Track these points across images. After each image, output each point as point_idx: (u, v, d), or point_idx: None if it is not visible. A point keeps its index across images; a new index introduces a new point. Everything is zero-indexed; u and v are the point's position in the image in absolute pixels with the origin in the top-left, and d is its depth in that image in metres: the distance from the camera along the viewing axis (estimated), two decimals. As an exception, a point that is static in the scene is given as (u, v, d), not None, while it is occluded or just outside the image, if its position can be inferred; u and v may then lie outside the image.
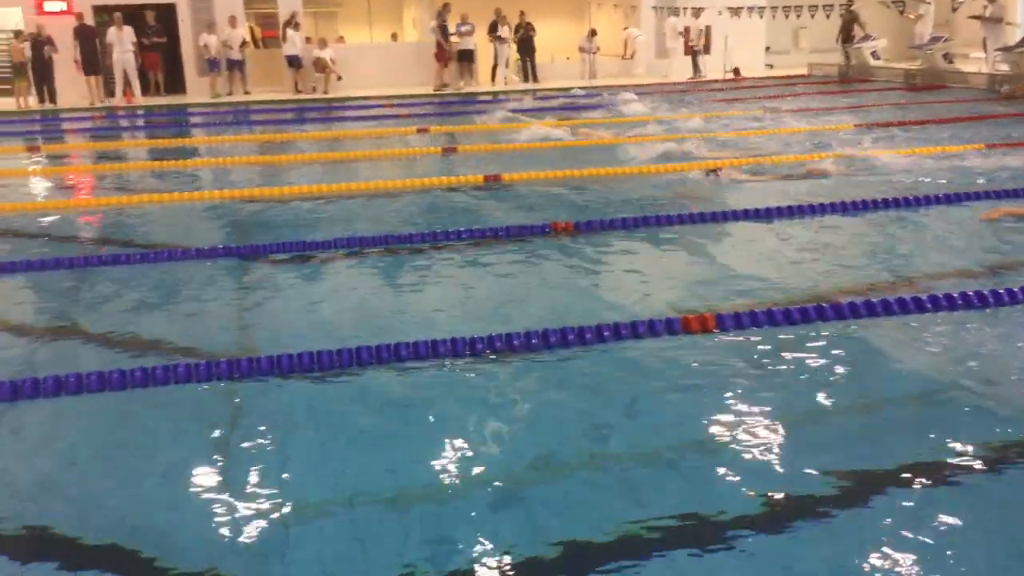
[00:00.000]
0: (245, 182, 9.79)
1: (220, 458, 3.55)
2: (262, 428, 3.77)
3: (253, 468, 3.41)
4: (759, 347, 4.46)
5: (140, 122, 17.35)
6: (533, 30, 21.48)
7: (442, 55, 20.63)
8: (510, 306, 5.36)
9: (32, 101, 18.94)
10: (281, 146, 12.78)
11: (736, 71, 21.18)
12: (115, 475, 3.45)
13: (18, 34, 18.90)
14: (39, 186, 10.32)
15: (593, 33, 21.72)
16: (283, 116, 16.70)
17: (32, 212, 8.46)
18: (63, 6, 19.63)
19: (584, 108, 15.90)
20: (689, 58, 21.43)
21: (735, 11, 19.27)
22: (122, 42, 18.88)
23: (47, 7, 19.54)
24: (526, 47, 21.52)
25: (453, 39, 21.03)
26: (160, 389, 4.10)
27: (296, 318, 5.24)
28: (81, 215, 8.42)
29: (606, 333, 4.59)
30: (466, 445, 3.56)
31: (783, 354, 4.37)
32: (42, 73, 18.87)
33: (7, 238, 7.49)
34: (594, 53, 21.79)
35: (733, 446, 3.48)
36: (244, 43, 20.27)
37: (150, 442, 3.69)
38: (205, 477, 3.40)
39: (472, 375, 4.26)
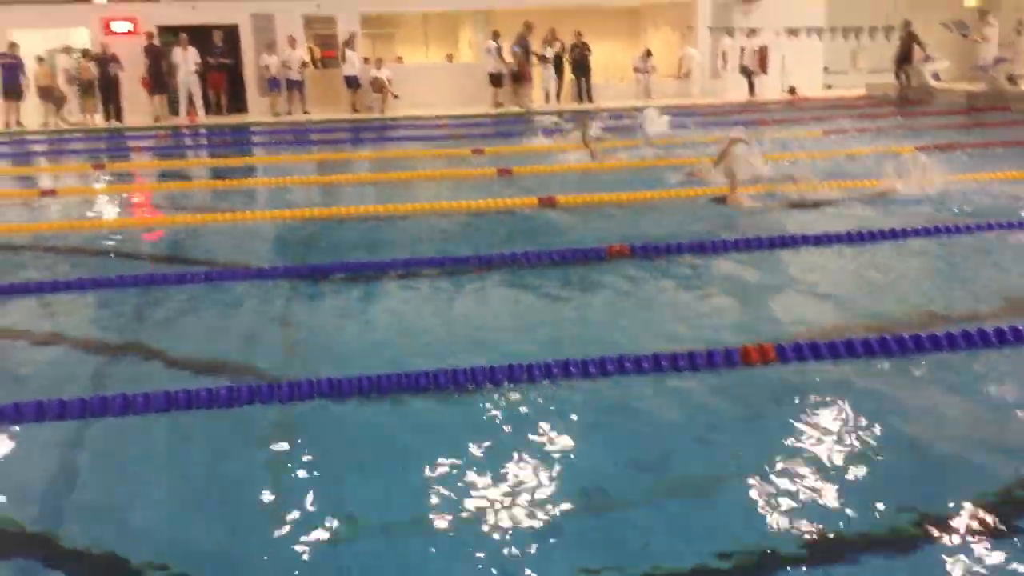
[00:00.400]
0: (303, 202, 9.93)
1: (279, 480, 3.59)
2: (319, 450, 3.81)
3: (310, 491, 3.45)
4: (819, 379, 4.39)
5: (203, 140, 17.74)
6: (588, 50, 21.55)
7: (525, 75, 20.78)
8: (564, 331, 5.35)
9: (98, 119, 19.49)
10: (338, 166, 12.97)
11: (792, 90, 21.00)
12: (177, 496, 3.51)
13: (85, 53, 19.46)
14: (103, 203, 10.59)
15: (648, 53, 21.71)
16: (340, 136, 16.93)
17: (96, 229, 8.69)
18: (129, 26, 20.24)
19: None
20: (745, 78, 21.35)
21: (793, 32, 19.11)
22: (187, 62, 19.38)
23: (114, 27, 20.15)
24: (581, 67, 21.58)
25: (509, 60, 21.23)
26: (224, 410, 4.17)
27: (352, 339, 5.29)
28: (143, 232, 8.62)
29: (663, 363, 4.56)
30: (520, 473, 3.56)
31: (844, 387, 4.30)
32: (108, 91, 19.45)
33: (72, 255, 7.69)
34: (649, 73, 21.76)
35: (787, 482, 3.42)
36: (304, 63, 20.65)
37: (212, 462, 3.75)
38: (266, 499, 3.44)
39: (528, 401, 4.25)
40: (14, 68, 18.96)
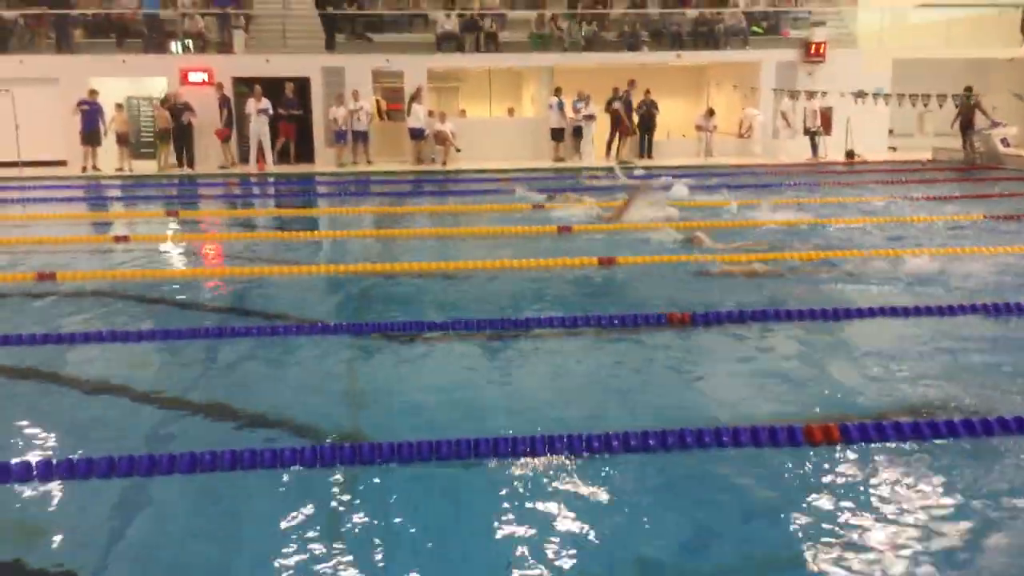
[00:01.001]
0: (363, 255, 10.08)
1: (335, 542, 3.63)
2: (375, 515, 3.85)
3: (365, 556, 3.49)
4: (883, 461, 4.31)
5: (270, 190, 18.18)
6: (656, 108, 21.72)
7: (624, 129, 20.99)
8: (620, 399, 5.34)
9: (171, 165, 20.11)
10: (400, 219, 13.16)
11: (850, 154, 20.76)
12: (240, 554, 3.57)
13: (163, 101, 20.16)
14: (173, 251, 10.88)
15: (711, 112, 21.76)
16: (402, 188, 17.16)
17: (165, 278, 8.92)
18: (204, 76, 20.92)
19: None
20: (807, 139, 21.26)
21: (859, 94, 19.01)
22: (258, 112, 19.96)
23: (191, 77, 20.86)
24: (646, 124, 21.76)
25: (571, 115, 21.48)
26: (286, 470, 4.24)
27: (409, 401, 5.33)
28: (210, 282, 8.83)
29: (725, 438, 4.52)
30: (574, 545, 3.56)
31: (909, 471, 4.21)
32: (181, 138, 20.10)
33: (141, 303, 7.89)
34: (711, 132, 21.80)
35: (845, 569, 3.36)
36: (369, 115, 21.12)
37: (276, 522, 3.80)
38: (324, 562, 3.48)
39: (583, 472, 4.24)
40: (94, 114, 19.71)
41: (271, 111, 20.14)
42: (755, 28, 23.18)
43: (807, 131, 21.21)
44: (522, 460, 4.35)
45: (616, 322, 6.83)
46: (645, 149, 22.07)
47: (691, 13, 23.25)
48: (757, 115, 21.88)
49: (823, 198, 14.36)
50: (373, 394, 5.53)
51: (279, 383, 5.72)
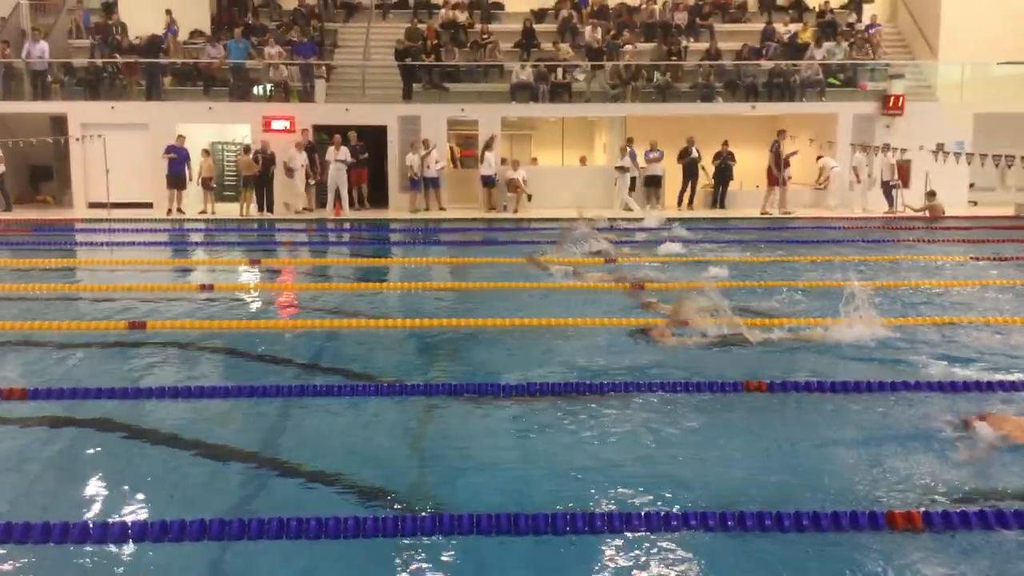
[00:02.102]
0: (434, 308, 10.14)
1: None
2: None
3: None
4: (967, 552, 4.22)
5: (345, 236, 18.57)
6: (733, 159, 21.70)
7: (773, 179, 21.04)
8: (697, 473, 5.30)
9: (253, 209, 20.74)
10: (472, 269, 13.21)
11: (931, 194, 20.18)
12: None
13: (247, 149, 20.83)
14: (254, 300, 11.15)
15: (786, 164, 21.59)
16: (473, 236, 17.27)
17: (246, 329, 9.14)
18: (286, 124, 21.59)
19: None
20: (884, 192, 20.96)
21: (939, 149, 18.68)
22: (337, 159, 20.49)
23: (274, 125, 21.55)
24: (722, 175, 21.73)
25: (643, 165, 21.58)
26: (369, 539, 4.33)
27: (487, 467, 5.40)
28: (286, 334, 9.03)
29: (805, 521, 4.47)
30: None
31: (995, 565, 4.11)
32: (262, 184, 20.72)
33: (220, 354, 8.12)
34: (785, 183, 21.62)
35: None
36: (443, 163, 21.50)
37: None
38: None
39: (664, 551, 4.24)
40: (181, 159, 20.46)
41: (349, 160, 20.65)
42: (832, 80, 23.02)
43: (884, 184, 20.90)
44: (611, 536, 4.36)
45: (692, 387, 6.81)
46: (719, 200, 22.00)
47: (767, 64, 23.22)
48: (834, 166, 21.66)
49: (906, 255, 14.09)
50: (448, 458, 5.60)
51: (357, 443, 5.83)
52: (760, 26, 24.87)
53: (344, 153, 20.56)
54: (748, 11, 26.00)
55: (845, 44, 23.62)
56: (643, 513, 4.50)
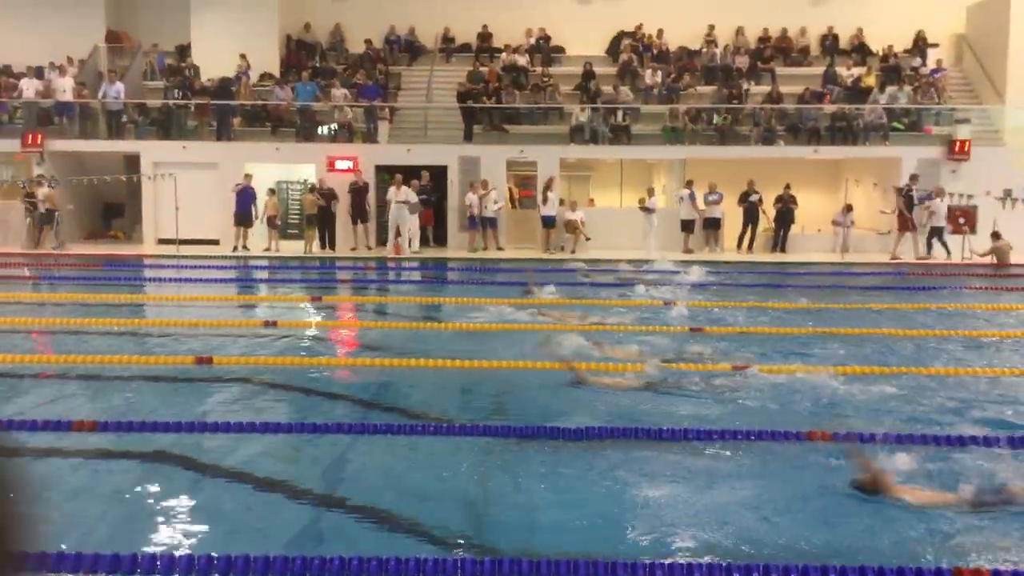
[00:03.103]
0: (490, 351, 10.02)
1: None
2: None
3: None
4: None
5: (403, 275, 18.80)
6: (795, 203, 21.54)
7: (904, 223, 20.83)
8: (762, 524, 5.23)
9: (315, 247, 21.14)
10: (528, 309, 13.19)
11: (996, 235, 19.59)
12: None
13: (312, 188, 21.29)
14: (316, 338, 11.34)
15: (849, 208, 21.35)
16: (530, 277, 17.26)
17: (307, 366, 9.30)
18: (349, 164, 22.02)
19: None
20: (954, 237, 20.58)
21: (1007, 195, 18.32)
22: (398, 199, 20.82)
23: (337, 165, 22.01)
24: (784, 218, 21.59)
25: (702, 207, 21.53)
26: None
27: (540, 513, 5.41)
28: (345, 371, 9.15)
29: (869, 576, 4.39)
30: None
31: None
32: (325, 222, 21.12)
33: (282, 391, 8.27)
34: (849, 228, 21.36)
35: None
36: (501, 203, 21.68)
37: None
38: None
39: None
40: (248, 197, 20.99)
41: (411, 200, 20.90)
42: (896, 124, 22.75)
43: (957, 228, 20.52)
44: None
45: (753, 436, 6.73)
46: (779, 243, 21.81)
47: (829, 108, 23.07)
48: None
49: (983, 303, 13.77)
50: (504, 502, 5.61)
51: (414, 482, 5.89)
52: (822, 69, 24.76)
53: (405, 193, 20.86)
54: (810, 55, 25.90)
55: (909, 88, 23.37)
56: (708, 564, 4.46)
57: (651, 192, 21.86)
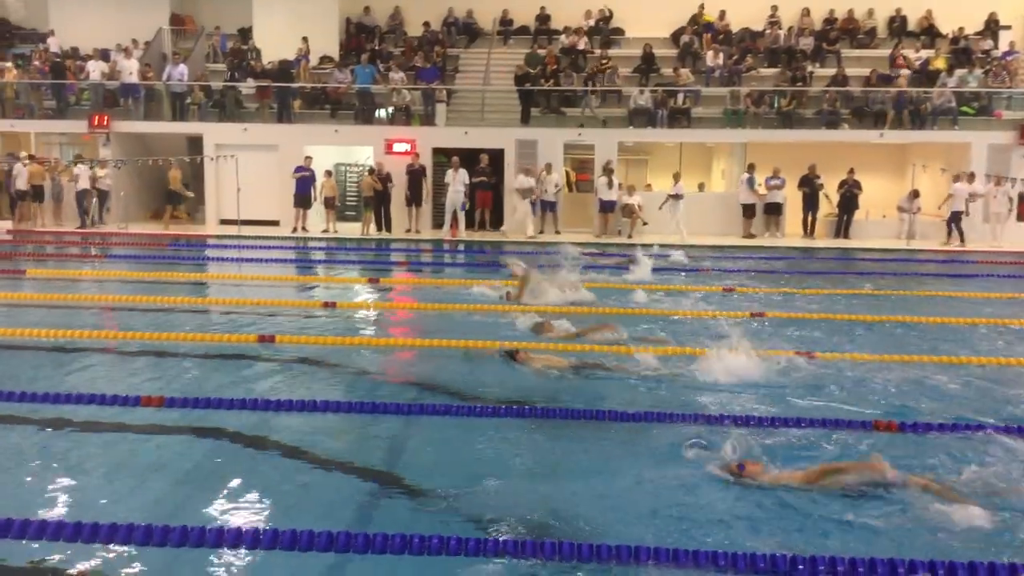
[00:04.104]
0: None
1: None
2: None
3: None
4: None
5: (460, 257, 18.83)
6: (859, 188, 21.10)
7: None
8: (821, 528, 5.11)
9: (372, 229, 21.28)
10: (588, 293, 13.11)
11: None
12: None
13: (371, 171, 21.42)
14: (372, 319, 11.36)
15: (915, 194, 20.81)
16: (588, 260, 17.15)
17: (362, 346, 9.31)
18: (407, 147, 22.10)
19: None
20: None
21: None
22: (455, 182, 20.85)
23: (395, 148, 22.10)
24: (848, 204, 21.17)
25: (760, 190, 21.20)
26: (489, 560, 4.35)
27: (595, 497, 5.36)
28: (401, 352, 9.16)
29: (940, 572, 4.26)
30: None
31: None
32: (381, 204, 21.24)
33: (339, 371, 8.31)
34: (915, 213, 20.84)
35: None
36: (558, 186, 21.57)
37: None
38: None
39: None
40: (307, 179, 21.19)
41: (467, 182, 20.95)
42: (965, 109, 22.09)
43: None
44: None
45: (818, 424, 6.60)
46: (842, 229, 21.39)
47: (896, 91, 22.46)
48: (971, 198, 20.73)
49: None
50: (563, 483, 5.56)
51: (470, 463, 5.88)
52: (889, 52, 24.12)
53: (463, 176, 20.88)
54: (877, 36, 25.24)
55: (979, 71, 22.65)
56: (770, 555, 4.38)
57: (677, 178, 21.53)
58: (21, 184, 21.14)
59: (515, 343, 8.88)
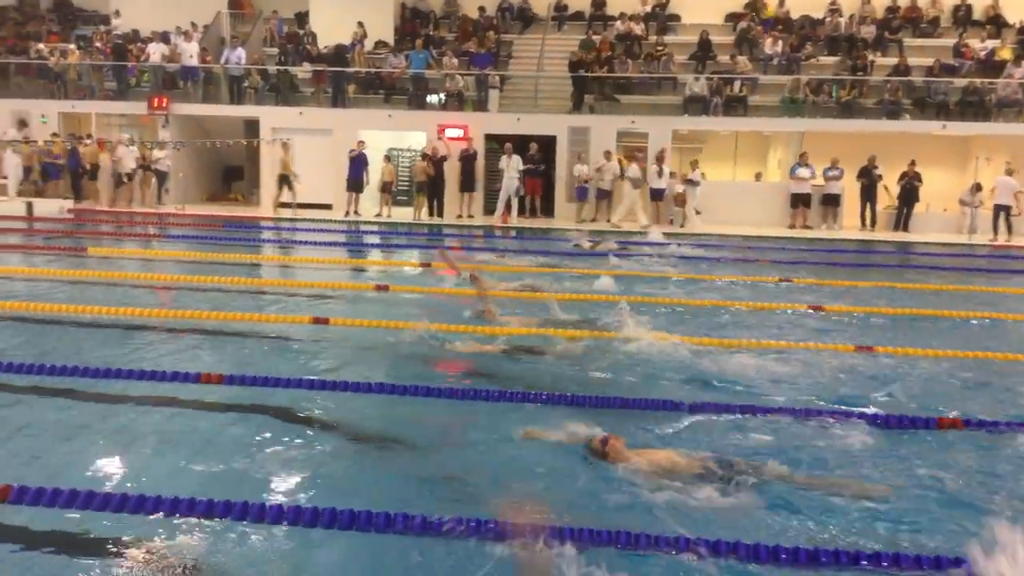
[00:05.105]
0: (602, 318, 9.95)
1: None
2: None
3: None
4: None
5: (511, 244, 18.76)
6: (919, 180, 20.66)
7: None
8: (886, 513, 5.00)
9: (424, 214, 21.35)
10: (638, 282, 13.00)
11: None
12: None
13: (424, 156, 21.48)
14: (420, 303, 11.27)
15: (978, 187, 20.30)
16: (638, 248, 17.03)
17: (410, 329, 9.28)
18: (460, 132, 22.12)
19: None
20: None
21: None
22: (509, 168, 20.82)
23: (448, 133, 22.12)
24: (908, 197, 20.74)
25: (803, 176, 20.82)
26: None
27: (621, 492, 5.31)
28: (449, 340, 9.13)
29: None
30: None
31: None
32: (434, 190, 21.30)
33: (392, 352, 8.32)
34: (977, 207, 20.32)
35: None
36: (613, 175, 21.41)
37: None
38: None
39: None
40: (360, 163, 21.31)
41: (521, 168, 20.92)
42: (1032, 100, 21.47)
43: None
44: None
45: (879, 420, 6.46)
46: (902, 222, 20.95)
47: (960, 82, 21.90)
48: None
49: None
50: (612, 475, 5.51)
51: (521, 452, 5.84)
52: (953, 41, 23.51)
53: (517, 162, 20.85)
54: (941, 25, 24.61)
55: (1048, 62, 22.00)
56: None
57: (694, 165, 21.20)
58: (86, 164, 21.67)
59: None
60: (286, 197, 21.29)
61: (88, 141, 22.23)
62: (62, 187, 22.07)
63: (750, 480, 5.12)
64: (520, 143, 21.28)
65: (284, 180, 21.31)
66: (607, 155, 21.06)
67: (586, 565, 3.97)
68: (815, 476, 5.38)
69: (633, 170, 20.87)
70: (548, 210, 22.16)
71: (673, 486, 5.05)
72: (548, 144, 21.92)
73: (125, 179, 21.70)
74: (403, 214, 21.75)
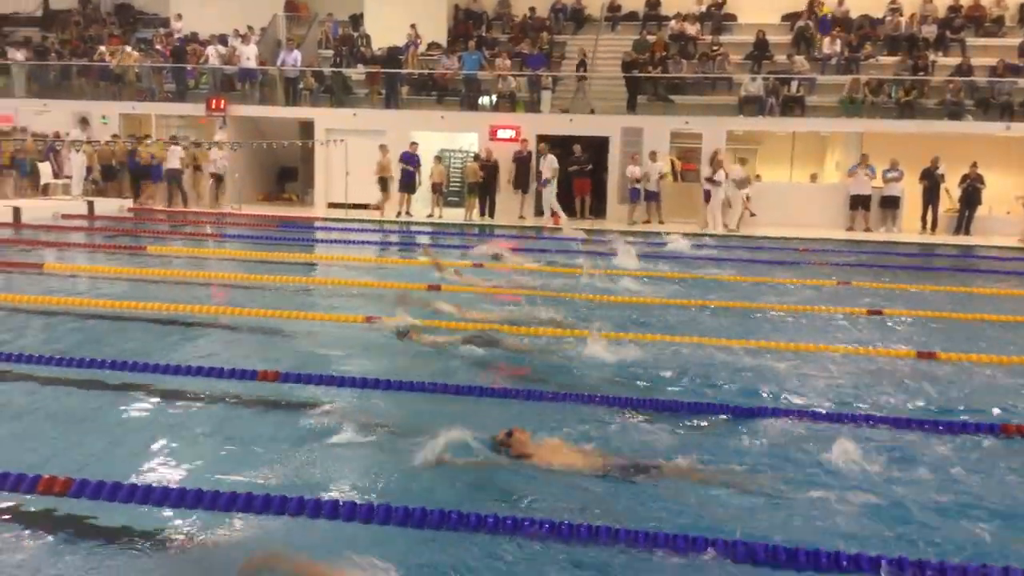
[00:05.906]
0: (626, 322, 9.84)
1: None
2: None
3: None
4: None
5: (562, 245, 18.67)
6: (982, 182, 20.15)
7: None
8: (947, 519, 4.87)
9: (475, 215, 21.39)
10: (687, 285, 12.85)
11: None
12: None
13: (476, 157, 21.53)
14: (473, 304, 11.24)
15: (1030, 194, 19.77)
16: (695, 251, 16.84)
17: (463, 331, 9.22)
18: (512, 133, 22.12)
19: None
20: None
21: None
22: (544, 168, 20.79)
23: (500, 134, 22.15)
24: (970, 199, 20.25)
25: (878, 183, 20.42)
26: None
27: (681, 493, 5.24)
28: (503, 339, 9.11)
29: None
30: None
31: None
32: (486, 190, 21.32)
33: (445, 352, 8.33)
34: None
35: None
36: (662, 175, 21.22)
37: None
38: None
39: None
40: (413, 165, 21.41)
41: (556, 167, 20.79)
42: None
43: None
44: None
45: (942, 427, 6.30)
46: (964, 225, 20.44)
47: (1025, 82, 21.33)
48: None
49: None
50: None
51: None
52: (1018, 41, 22.87)
53: (551, 161, 20.78)
54: (1005, 25, 23.97)
55: (1117, 61, 21.32)
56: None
57: (719, 165, 20.79)
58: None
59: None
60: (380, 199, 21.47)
61: (149, 142, 22.67)
62: (123, 187, 22.59)
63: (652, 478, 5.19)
64: (566, 144, 21.22)
65: (383, 182, 21.50)
66: (652, 156, 20.86)
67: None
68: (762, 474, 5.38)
69: (737, 171, 20.61)
70: (600, 211, 22.03)
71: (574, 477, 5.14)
72: (600, 145, 21.82)
73: (175, 179, 22.07)
74: (454, 215, 21.81)
